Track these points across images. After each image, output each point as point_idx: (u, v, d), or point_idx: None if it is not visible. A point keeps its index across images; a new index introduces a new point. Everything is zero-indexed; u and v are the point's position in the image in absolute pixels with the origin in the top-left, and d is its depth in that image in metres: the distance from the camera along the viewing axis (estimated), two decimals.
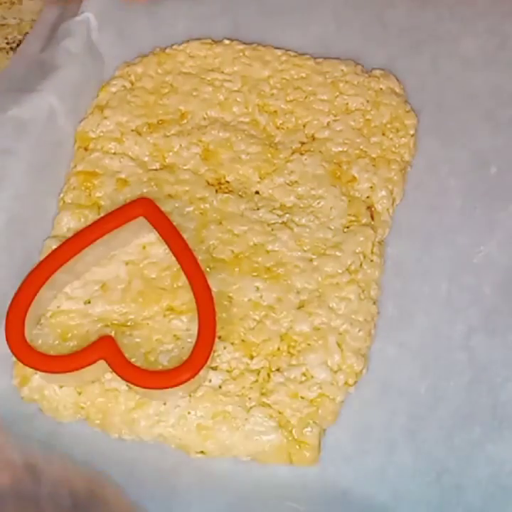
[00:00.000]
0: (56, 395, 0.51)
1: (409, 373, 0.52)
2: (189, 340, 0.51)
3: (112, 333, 0.52)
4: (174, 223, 0.53)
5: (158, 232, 0.53)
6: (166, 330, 0.52)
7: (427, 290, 0.55)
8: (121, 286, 0.53)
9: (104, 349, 0.50)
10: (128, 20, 0.64)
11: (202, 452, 0.50)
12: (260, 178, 0.57)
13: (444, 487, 0.49)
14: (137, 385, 0.49)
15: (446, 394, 0.51)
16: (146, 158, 0.58)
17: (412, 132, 0.59)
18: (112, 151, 0.58)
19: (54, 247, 0.53)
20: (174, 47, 0.63)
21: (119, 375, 0.49)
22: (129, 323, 0.52)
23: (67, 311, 0.53)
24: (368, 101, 0.59)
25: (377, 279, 0.54)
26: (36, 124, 0.56)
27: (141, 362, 0.51)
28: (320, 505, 0.49)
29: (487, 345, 0.52)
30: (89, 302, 0.53)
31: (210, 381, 0.50)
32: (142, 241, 0.54)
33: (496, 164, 0.58)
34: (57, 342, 0.52)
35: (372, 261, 0.54)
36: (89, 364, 0.49)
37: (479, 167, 0.58)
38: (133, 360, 0.51)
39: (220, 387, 0.51)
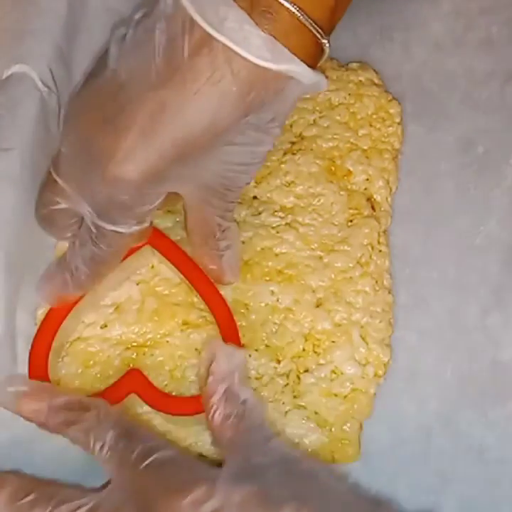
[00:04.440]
0: None
1: (433, 358, 0.53)
2: None
3: (134, 356, 0.51)
4: (178, 237, 0.53)
5: (167, 258, 0.52)
6: (186, 345, 0.52)
7: (436, 275, 0.55)
8: (136, 307, 0.53)
9: (133, 383, 0.49)
10: None
11: None
12: (256, 182, 0.56)
13: (488, 463, 0.50)
14: (174, 414, 0.49)
15: (472, 374, 0.52)
16: None
17: (398, 120, 0.59)
18: None
19: None
20: None
21: (153, 407, 0.49)
22: (148, 343, 0.52)
23: (85, 338, 0.52)
24: (349, 94, 0.59)
25: (388, 268, 0.55)
26: None
27: (168, 380, 0.51)
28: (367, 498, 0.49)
29: (503, 322, 0.54)
30: (105, 326, 0.52)
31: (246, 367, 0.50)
32: (151, 261, 0.54)
33: (482, 143, 0.59)
34: (80, 370, 0.51)
35: (380, 251, 0.55)
36: (120, 400, 0.49)
37: (466, 148, 0.59)
38: (160, 378, 0.51)
39: None
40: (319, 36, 0.43)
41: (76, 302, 0.51)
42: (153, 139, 0.42)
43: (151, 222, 0.50)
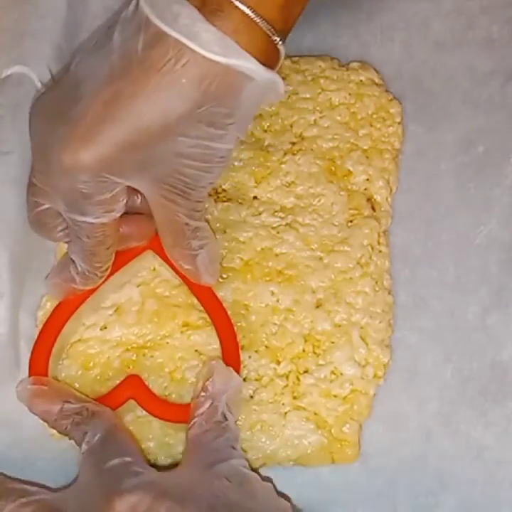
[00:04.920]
0: None
1: (433, 359, 0.53)
2: (211, 354, 0.52)
3: (134, 357, 0.52)
4: None
5: (167, 263, 0.52)
6: (186, 346, 0.52)
7: (436, 275, 0.55)
8: (136, 308, 0.53)
9: (132, 389, 0.50)
10: None
11: None
12: (256, 182, 0.56)
13: (487, 464, 0.50)
14: (172, 421, 0.49)
15: (472, 374, 0.52)
16: None
17: (398, 120, 0.59)
18: None
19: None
20: None
21: (151, 414, 0.49)
22: (148, 345, 0.52)
23: (85, 339, 0.52)
24: (350, 94, 0.59)
25: (388, 269, 0.55)
26: None
27: (168, 382, 0.51)
28: (366, 499, 0.50)
29: (503, 322, 0.54)
30: (105, 328, 0.53)
31: (240, 393, 0.50)
32: (152, 264, 0.54)
33: (482, 143, 0.59)
34: (80, 372, 0.52)
35: (380, 252, 0.55)
36: (119, 406, 0.49)
37: (467, 148, 0.59)
38: (160, 381, 0.51)
39: (251, 397, 0.51)
40: (270, 33, 0.44)
41: (78, 306, 0.51)
42: (105, 127, 0.44)
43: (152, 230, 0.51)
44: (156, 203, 0.48)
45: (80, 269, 0.49)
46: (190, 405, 0.49)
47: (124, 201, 0.47)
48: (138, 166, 0.45)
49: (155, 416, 0.49)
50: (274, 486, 0.48)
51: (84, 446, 0.46)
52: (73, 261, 0.49)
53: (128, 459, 0.45)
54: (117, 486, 0.43)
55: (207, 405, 0.47)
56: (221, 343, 0.51)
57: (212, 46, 0.43)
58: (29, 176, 0.49)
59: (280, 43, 0.45)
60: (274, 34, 0.44)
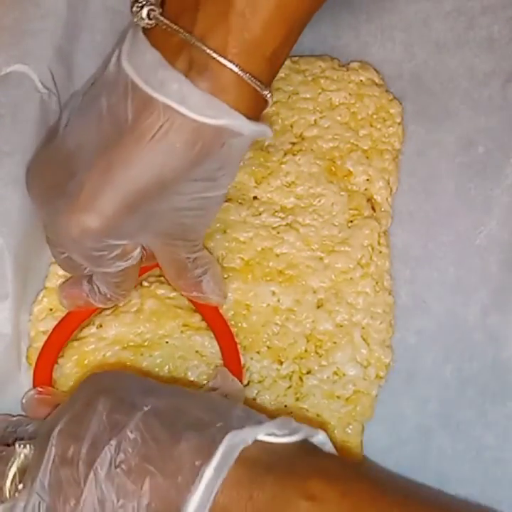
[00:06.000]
0: None
1: (433, 359, 0.53)
2: (212, 356, 0.52)
3: (132, 356, 0.52)
4: None
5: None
6: (187, 346, 0.52)
7: (436, 275, 0.56)
8: (134, 308, 0.53)
9: None
10: None
11: None
12: (257, 182, 0.57)
13: (487, 463, 0.50)
14: None
15: (471, 374, 0.53)
16: None
17: (398, 120, 0.59)
18: None
19: (60, 272, 0.53)
20: None
21: None
22: (146, 344, 0.52)
23: (81, 337, 0.52)
24: (350, 94, 0.59)
25: (388, 269, 0.55)
26: None
27: (167, 381, 0.51)
28: None
29: (503, 322, 0.54)
30: (101, 326, 0.53)
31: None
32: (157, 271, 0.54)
33: (483, 143, 0.59)
34: (75, 370, 0.52)
35: (381, 252, 0.55)
36: None
37: (467, 148, 0.59)
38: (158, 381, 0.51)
39: (254, 399, 0.51)
40: (259, 88, 0.44)
41: (87, 317, 0.52)
42: (102, 197, 0.44)
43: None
44: (156, 249, 0.50)
45: (103, 291, 0.50)
46: None
47: (138, 249, 0.49)
48: (139, 226, 0.46)
49: None
50: None
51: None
52: (97, 284, 0.50)
53: None
54: None
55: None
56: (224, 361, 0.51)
57: (202, 109, 0.43)
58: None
59: (269, 95, 0.45)
60: (263, 89, 0.44)
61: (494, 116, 0.60)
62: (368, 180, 0.57)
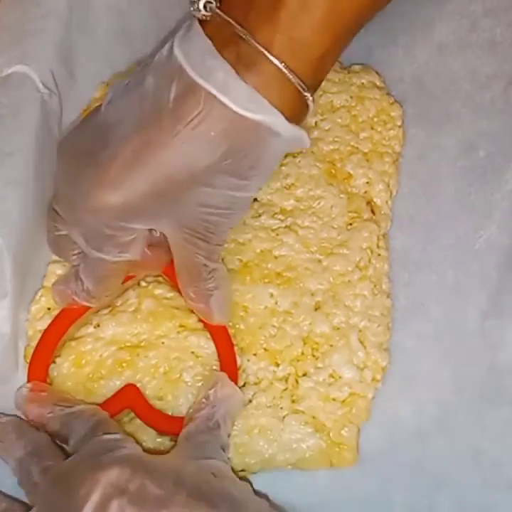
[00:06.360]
0: None
1: (431, 363, 0.53)
2: (208, 357, 0.52)
3: (128, 357, 0.52)
4: None
5: (176, 289, 0.53)
6: (183, 347, 0.52)
7: (435, 279, 0.55)
8: (132, 308, 0.53)
9: (129, 399, 0.50)
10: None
11: (243, 470, 0.50)
12: None
13: (483, 467, 0.50)
14: (167, 433, 0.50)
15: (469, 379, 0.52)
16: None
17: (399, 123, 0.59)
18: None
19: (58, 272, 0.53)
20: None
21: (148, 424, 0.49)
22: (142, 344, 0.52)
23: (77, 337, 0.52)
24: (351, 97, 0.59)
25: (387, 273, 0.55)
26: None
27: (162, 383, 0.51)
28: (363, 502, 0.50)
29: (501, 327, 0.53)
30: (98, 326, 0.53)
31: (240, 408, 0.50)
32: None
33: (484, 147, 0.59)
34: (72, 370, 0.52)
35: (379, 255, 0.55)
36: (115, 415, 0.49)
37: (468, 151, 0.59)
38: (154, 383, 0.51)
39: (250, 401, 0.51)
40: (301, 89, 0.44)
41: (81, 314, 0.52)
42: (133, 174, 0.44)
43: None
44: (176, 244, 0.49)
45: (86, 287, 0.50)
46: (183, 418, 0.49)
47: (142, 246, 0.49)
48: (162, 212, 0.46)
49: (151, 427, 0.49)
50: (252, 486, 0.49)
51: (70, 442, 0.47)
52: (81, 279, 0.50)
53: (117, 436, 0.46)
54: (102, 458, 0.44)
55: (205, 410, 0.48)
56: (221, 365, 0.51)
57: (243, 101, 0.43)
58: (50, 201, 0.50)
59: (310, 98, 0.45)
60: (304, 90, 0.44)
61: (496, 120, 0.59)
62: (367, 182, 0.57)
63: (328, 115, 0.59)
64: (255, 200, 0.56)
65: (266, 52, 0.43)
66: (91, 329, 0.53)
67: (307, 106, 0.46)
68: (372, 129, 0.59)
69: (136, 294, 0.53)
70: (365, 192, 0.57)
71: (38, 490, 0.46)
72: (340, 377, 0.51)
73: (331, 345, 0.52)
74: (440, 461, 0.50)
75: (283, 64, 0.43)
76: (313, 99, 0.45)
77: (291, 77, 0.44)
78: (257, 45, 0.43)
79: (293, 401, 0.51)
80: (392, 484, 0.50)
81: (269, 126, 0.44)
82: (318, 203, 0.56)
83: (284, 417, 0.50)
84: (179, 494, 0.43)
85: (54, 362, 0.52)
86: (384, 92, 0.60)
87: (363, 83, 0.60)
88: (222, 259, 0.54)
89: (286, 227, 0.55)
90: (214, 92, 0.43)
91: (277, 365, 0.51)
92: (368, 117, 0.59)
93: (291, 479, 0.50)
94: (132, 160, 0.44)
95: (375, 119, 0.59)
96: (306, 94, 0.45)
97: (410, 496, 0.50)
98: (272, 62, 0.43)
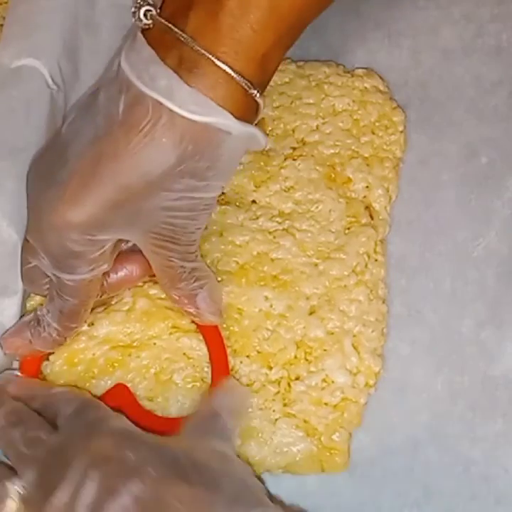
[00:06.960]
0: None
1: (424, 370, 0.53)
2: (200, 358, 0.52)
3: (120, 357, 0.52)
4: None
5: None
6: (174, 348, 0.52)
7: (432, 286, 0.55)
8: (126, 307, 0.53)
9: (119, 399, 0.50)
10: None
11: None
12: (256, 186, 0.56)
13: (473, 479, 0.50)
14: (157, 433, 0.49)
15: (462, 388, 0.52)
16: None
17: (401, 128, 0.59)
18: None
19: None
20: None
21: (138, 425, 0.49)
22: (135, 344, 0.52)
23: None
24: (354, 101, 0.59)
25: (384, 278, 0.55)
26: None
27: (153, 384, 0.51)
28: (351, 508, 0.50)
29: (497, 337, 0.53)
30: (92, 324, 0.53)
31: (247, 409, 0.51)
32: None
33: (486, 154, 0.59)
34: (65, 367, 0.52)
35: (376, 260, 0.55)
36: None
37: (470, 158, 0.59)
38: (144, 383, 0.51)
39: None
40: (247, 88, 0.44)
41: None
42: (90, 188, 0.45)
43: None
44: (148, 251, 0.49)
45: (47, 329, 0.50)
46: (177, 419, 0.49)
47: (113, 256, 0.49)
48: (125, 222, 0.47)
49: (141, 427, 0.49)
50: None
51: (59, 420, 0.47)
52: (39, 322, 0.50)
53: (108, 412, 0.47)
54: (96, 428, 0.45)
55: (213, 408, 0.48)
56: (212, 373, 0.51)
57: (189, 105, 0.43)
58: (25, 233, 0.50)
59: (258, 95, 0.45)
60: (251, 88, 0.45)
61: (499, 127, 0.59)
62: (367, 187, 0.57)
63: (329, 119, 0.59)
64: (253, 202, 0.56)
65: (208, 55, 0.43)
66: (85, 327, 0.52)
67: (257, 103, 0.46)
68: (373, 133, 0.59)
69: (130, 293, 0.53)
70: (364, 197, 0.57)
71: (27, 459, 0.45)
72: (332, 381, 0.51)
73: (325, 350, 0.52)
74: (430, 470, 0.50)
75: (226, 65, 0.43)
76: (261, 95, 0.45)
77: (235, 76, 0.44)
78: (199, 47, 0.43)
79: (285, 404, 0.51)
80: (381, 491, 0.50)
81: (219, 127, 0.44)
82: (317, 207, 0.56)
83: (275, 420, 0.50)
84: (153, 465, 0.43)
85: (47, 359, 0.52)
86: (387, 97, 0.60)
87: (366, 87, 0.60)
88: (218, 261, 0.54)
89: (283, 230, 0.55)
90: (159, 98, 0.43)
91: (270, 368, 0.51)
92: (369, 122, 0.59)
93: (281, 483, 0.50)
94: (88, 174, 0.45)
95: (377, 124, 0.59)
96: (252, 91, 0.45)
97: (399, 503, 0.49)
98: (215, 63, 0.43)
